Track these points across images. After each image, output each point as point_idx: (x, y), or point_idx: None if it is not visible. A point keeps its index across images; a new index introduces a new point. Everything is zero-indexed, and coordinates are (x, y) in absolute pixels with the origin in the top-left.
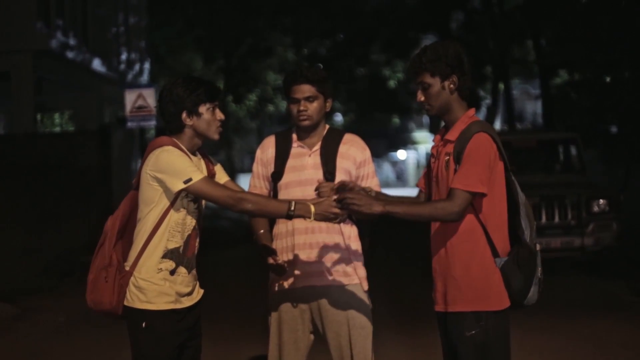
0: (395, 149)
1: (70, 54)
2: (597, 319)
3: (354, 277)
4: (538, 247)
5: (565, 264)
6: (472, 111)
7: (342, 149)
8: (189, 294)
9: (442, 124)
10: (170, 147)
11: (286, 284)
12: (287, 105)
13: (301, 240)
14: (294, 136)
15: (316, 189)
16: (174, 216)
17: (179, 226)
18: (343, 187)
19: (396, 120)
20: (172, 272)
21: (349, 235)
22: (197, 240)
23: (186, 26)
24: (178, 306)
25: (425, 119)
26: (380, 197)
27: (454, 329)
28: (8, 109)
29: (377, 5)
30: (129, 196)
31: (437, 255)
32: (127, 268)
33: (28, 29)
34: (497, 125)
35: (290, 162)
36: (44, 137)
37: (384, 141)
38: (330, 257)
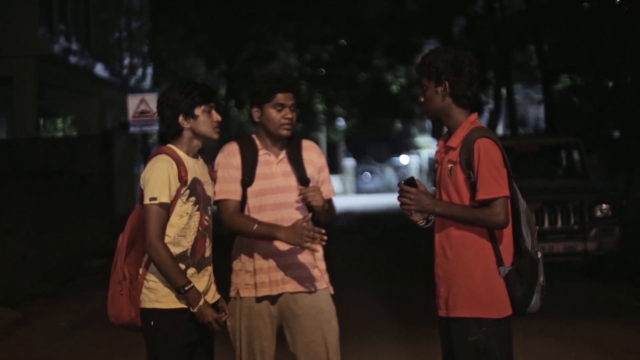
0: (398, 153)
1: (72, 59)
2: (599, 324)
3: (321, 281)
4: (540, 254)
5: (568, 269)
6: (473, 117)
7: (305, 155)
8: (204, 294)
9: (445, 129)
10: (166, 158)
11: (259, 291)
12: (262, 111)
13: (273, 248)
14: (258, 143)
15: (301, 193)
16: (177, 222)
17: (183, 231)
18: (412, 183)
19: (398, 125)
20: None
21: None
22: (207, 241)
23: (188, 31)
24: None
25: (428, 123)
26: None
27: (457, 334)
28: (11, 114)
29: (379, 10)
30: (136, 210)
31: (440, 261)
32: (140, 275)
33: (30, 34)
34: (500, 130)
35: (259, 170)
36: (46, 142)
37: (386, 146)
38: (302, 263)
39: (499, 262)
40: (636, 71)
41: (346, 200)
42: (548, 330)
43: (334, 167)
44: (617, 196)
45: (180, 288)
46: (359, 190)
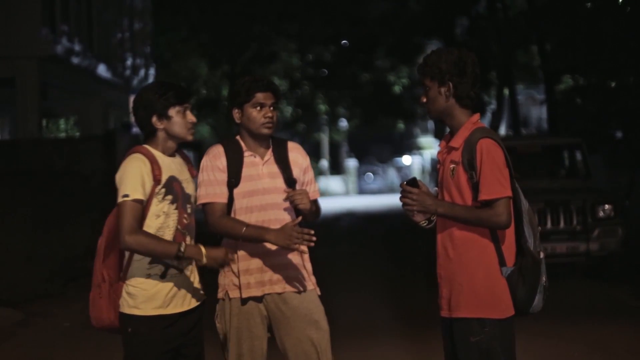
0: (400, 154)
1: (75, 60)
2: (602, 325)
3: (309, 282)
4: (542, 254)
5: (571, 269)
6: (476, 117)
7: (291, 156)
8: (185, 296)
9: (448, 129)
10: (139, 156)
11: (245, 292)
12: (242, 111)
13: (260, 248)
14: (243, 145)
15: (288, 197)
16: (154, 222)
17: (161, 230)
18: (414, 183)
19: (401, 125)
20: (163, 275)
21: None
22: (188, 239)
23: (191, 32)
24: (168, 311)
25: (430, 124)
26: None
27: (459, 334)
28: (13, 115)
29: (382, 11)
30: (114, 212)
31: (443, 261)
32: (120, 278)
33: (33, 35)
34: (502, 130)
35: (245, 171)
36: (49, 142)
37: (388, 146)
38: (289, 264)
39: (502, 263)
40: (639, 71)
41: (348, 201)
42: (550, 330)
43: (337, 167)
44: (619, 196)
45: (177, 253)
46: (362, 191)
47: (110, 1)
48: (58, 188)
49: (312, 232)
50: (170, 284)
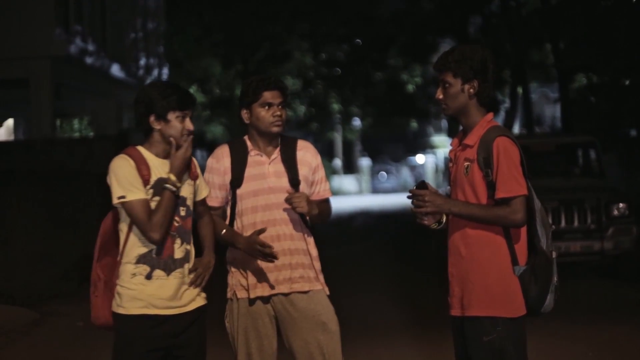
0: (414, 153)
1: (89, 60)
2: (616, 324)
3: (317, 282)
4: (554, 254)
5: (585, 268)
6: (490, 116)
7: (299, 155)
8: (172, 298)
9: (460, 127)
10: (122, 156)
11: (252, 292)
12: (251, 111)
13: None
14: (249, 145)
15: (287, 199)
16: None
17: None
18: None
19: (414, 124)
20: (148, 276)
21: (309, 241)
22: (178, 242)
23: (204, 31)
24: (152, 312)
25: (444, 123)
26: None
27: (471, 333)
28: (28, 115)
29: (394, 9)
30: (109, 215)
31: (455, 260)
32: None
33: (47, 35)
34: (516, 129)
35: (249, 171)
36: (62, 142)
37: (402, 145)
38: (296, 264)
39: (514, 261)
40: None
41: (362, 200)
42: (564, 330)
43: (350, 166)
44: (634, 195)
45: (169, 184)
46: (375, 190)
47: (123, 1)
48: (72, 188)
49: (273, 250)
50: (156, 285)
